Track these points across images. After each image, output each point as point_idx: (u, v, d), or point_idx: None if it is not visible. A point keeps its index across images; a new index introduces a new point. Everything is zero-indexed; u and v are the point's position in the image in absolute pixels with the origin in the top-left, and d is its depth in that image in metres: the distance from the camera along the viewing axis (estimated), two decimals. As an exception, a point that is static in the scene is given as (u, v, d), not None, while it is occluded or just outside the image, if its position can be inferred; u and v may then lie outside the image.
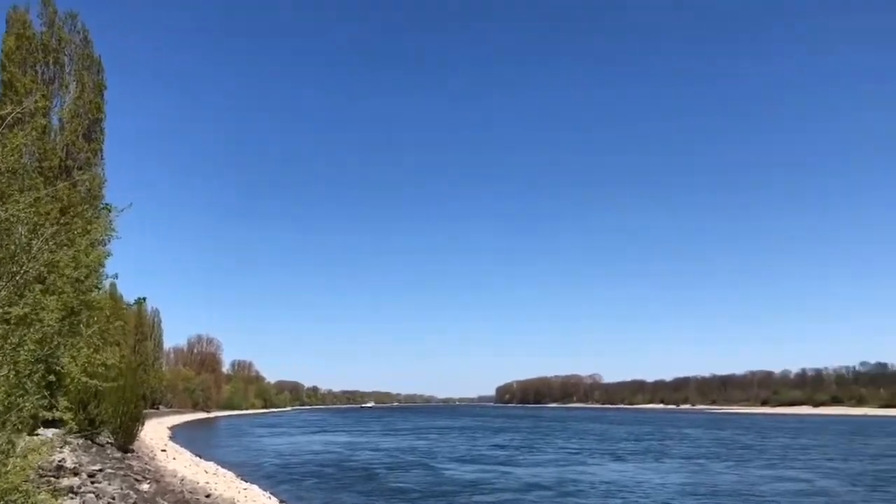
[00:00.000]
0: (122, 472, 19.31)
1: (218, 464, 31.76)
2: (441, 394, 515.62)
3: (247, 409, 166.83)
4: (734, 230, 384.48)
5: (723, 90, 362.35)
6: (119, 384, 25.47)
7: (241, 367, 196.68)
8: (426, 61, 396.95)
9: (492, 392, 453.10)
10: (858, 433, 73.03)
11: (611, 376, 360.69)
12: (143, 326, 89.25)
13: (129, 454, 26.63)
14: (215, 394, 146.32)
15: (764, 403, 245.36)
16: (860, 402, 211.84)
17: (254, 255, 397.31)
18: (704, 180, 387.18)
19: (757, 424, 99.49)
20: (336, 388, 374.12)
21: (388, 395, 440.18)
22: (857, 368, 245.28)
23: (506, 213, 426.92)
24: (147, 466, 24.46)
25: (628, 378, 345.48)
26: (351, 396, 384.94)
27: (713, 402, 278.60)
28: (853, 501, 23.42)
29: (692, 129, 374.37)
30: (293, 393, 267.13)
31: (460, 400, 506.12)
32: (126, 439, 27.56)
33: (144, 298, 61.88)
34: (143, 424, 30.37)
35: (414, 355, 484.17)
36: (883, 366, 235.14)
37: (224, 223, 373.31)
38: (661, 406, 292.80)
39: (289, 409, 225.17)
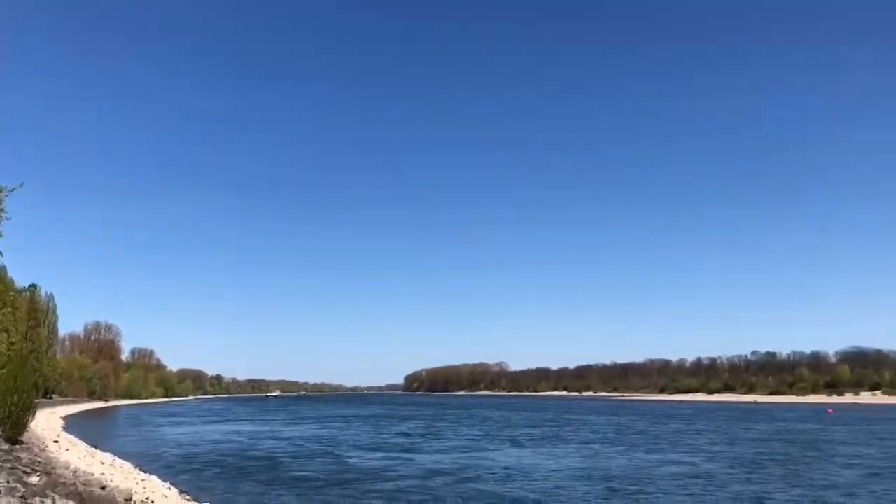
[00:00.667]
0: (9, 465, 18.69)
1: (115, 455, 30.98)
2: (349, 382, 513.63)
3: (147, 398, 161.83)
4: (631, 221, 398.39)
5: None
6: (8, 372, 24.49)
7: (142, 355, 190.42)
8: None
9: (400, 380, 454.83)
10: (744, 419, 77.56)
11: (517, 364, 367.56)
12: (36, 312, 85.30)
13: (18, 446, 25.64)
14: (114, 382, 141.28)
15: (662, 391, 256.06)
16: (750, 389, 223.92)
17: (158, 241, 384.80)
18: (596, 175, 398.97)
19: (653, 411, 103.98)
20: (241, 377, 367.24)
21: (294, 383, 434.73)
22: (748, 357, 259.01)
23: (410, 203, 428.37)
24: (37, 458, 23.64)
25: (534, 366, 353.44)
26: (256, 385, 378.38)
27: (614, 390, 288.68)
28: (729, 483, 25.06)
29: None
30: (196, 382, 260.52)
31: (368, 388, 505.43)
32: (15, 430, 26.48)
33: (36, 285, 59.02)
34: (34, 415, 29.22)
35: (322, 344, 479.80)
36: (772, 355, 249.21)
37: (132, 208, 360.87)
38: (564, 393, 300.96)
39: (191, 398, 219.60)
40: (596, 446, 40.85)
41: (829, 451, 37.64)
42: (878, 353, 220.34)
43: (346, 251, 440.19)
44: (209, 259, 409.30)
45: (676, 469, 29.08)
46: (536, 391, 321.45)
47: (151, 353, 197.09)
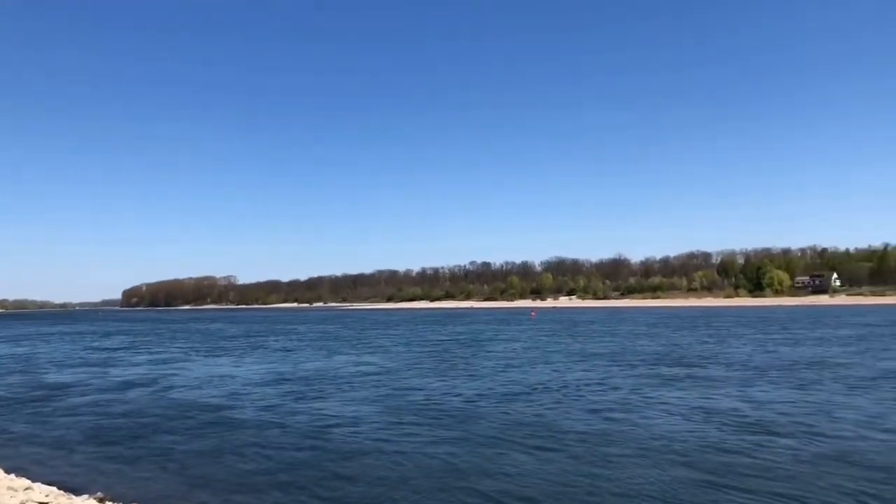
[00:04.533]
0: None
1: None
2: (58, 298, 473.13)
3: None
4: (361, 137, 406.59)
5: None
6: None
7: None
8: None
9: (118, 296, 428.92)
10: (442, 323, 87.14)
11: (247, 278, 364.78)
12: None
13: None
14: None
15: (389, 299, 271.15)
16: (468, 296, 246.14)
17: None
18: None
19: (365, 319, 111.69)
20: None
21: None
22: (467, 267, 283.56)
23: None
24: None
25: (264, 279, 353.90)
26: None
27: (344, 300, 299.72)
28: (404, 378, 29.88)
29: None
30: None
31: (81, 304, 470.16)
32: None
33: None
34: None
35: (25, 254, 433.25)
36: (487, 265, 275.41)
37: None
38: (294, 305, 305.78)
39: None
40: (292, 352, 44.99)
41: (488, 349, 45.11)
42: (575, 262, 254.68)
43: (47, 149, 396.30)
44: None
45: (354, 369, 33.60)
46: (266, 304, 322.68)
47: None
